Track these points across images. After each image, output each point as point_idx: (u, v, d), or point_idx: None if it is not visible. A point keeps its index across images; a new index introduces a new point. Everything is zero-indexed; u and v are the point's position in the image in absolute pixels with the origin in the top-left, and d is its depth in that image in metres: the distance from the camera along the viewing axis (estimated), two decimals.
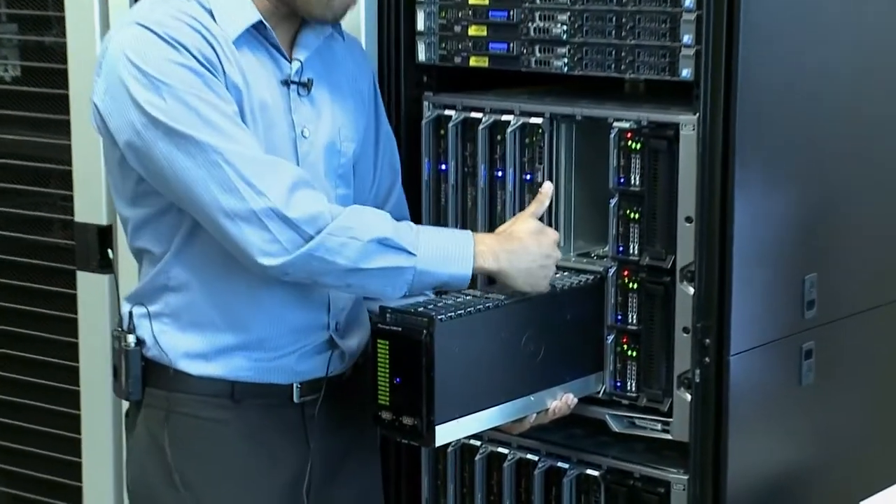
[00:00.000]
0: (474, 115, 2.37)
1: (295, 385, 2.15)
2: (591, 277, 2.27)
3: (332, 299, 2.16)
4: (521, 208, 2.32)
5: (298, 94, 2.11)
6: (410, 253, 2.01)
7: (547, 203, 2.18)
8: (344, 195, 2.20)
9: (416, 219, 2.37)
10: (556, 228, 2.33)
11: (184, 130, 1.95)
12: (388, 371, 2.04)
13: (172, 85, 1.96)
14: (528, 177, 2.34)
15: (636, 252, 2.23)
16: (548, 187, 2.19)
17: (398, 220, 2.22)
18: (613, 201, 2.24)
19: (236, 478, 2.12)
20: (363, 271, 1.99)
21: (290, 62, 2.11)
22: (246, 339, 2.11)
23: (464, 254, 2.04)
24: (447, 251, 2.03)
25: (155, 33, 1.96)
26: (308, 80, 2.11)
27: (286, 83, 2.10)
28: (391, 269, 2.01)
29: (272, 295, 2.10)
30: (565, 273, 2.28)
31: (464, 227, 2.39)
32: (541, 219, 2.19)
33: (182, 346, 2.11)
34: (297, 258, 1.96)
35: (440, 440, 2.04)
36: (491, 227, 2.35)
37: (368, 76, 2.27)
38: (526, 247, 2.10)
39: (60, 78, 2.83)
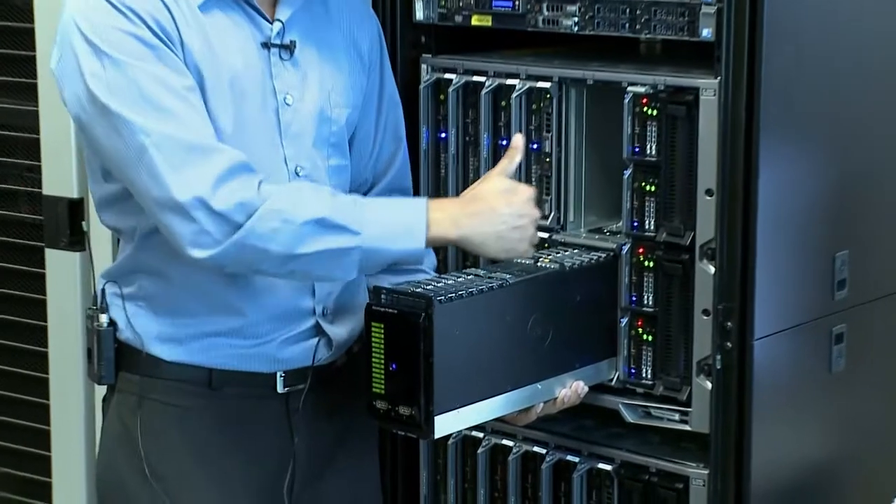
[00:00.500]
0: (476, 78, 2.36)
1: (278, 374, 2.13)
2: (604, 255, 2.26)
3: (316, 282, 2.13)
4: (529, 180, 2.32)
5: (280, 57, 2.08)
6: (353, 231, 1.98)
7: (518, 159, 2.13)
8: (338, 166, 2.17)
9: (414, 192, 2.36)
10: (565, 202, 2.33)
11: (116, 108, 1.93)
12: (382, 357, 2.03)
13: (117, 57, 1.94)
14: (535, 146, 2.33)
15: (652, 228, 2.23)
16: (518, 140, 2.14)
17: (399, 191, 2.23)
18: (627, 173, 2.23)
19: (210, 471, 2.10)
20: (302, 257, 1.96)
21: (272, 22, 2.08)
22: (223, 325, 2.09)
23: (415, 225, 2.00)
24: (395, 225, 2.00)
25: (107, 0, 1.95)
26: (290, 42, 2.08)
27: (266, 46, 2.06)
28: (333, 252, 1.97)
29: (250, 279, 2.08)
30: (575, 251, 2.27)
31: None
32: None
33: (156, 329, 2.10)
34: (227, 248, 1.94)
35: (440, 432, 2.03)
36: None
37: (370, 32, 2.23)
38: (493, 208, 2.06)
39: (27, 38, 2.80)
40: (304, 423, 2.15)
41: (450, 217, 2.03)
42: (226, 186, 1.94)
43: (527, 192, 2.10)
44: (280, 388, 2.13)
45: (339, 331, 2.17)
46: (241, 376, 2.11)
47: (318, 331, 2.15)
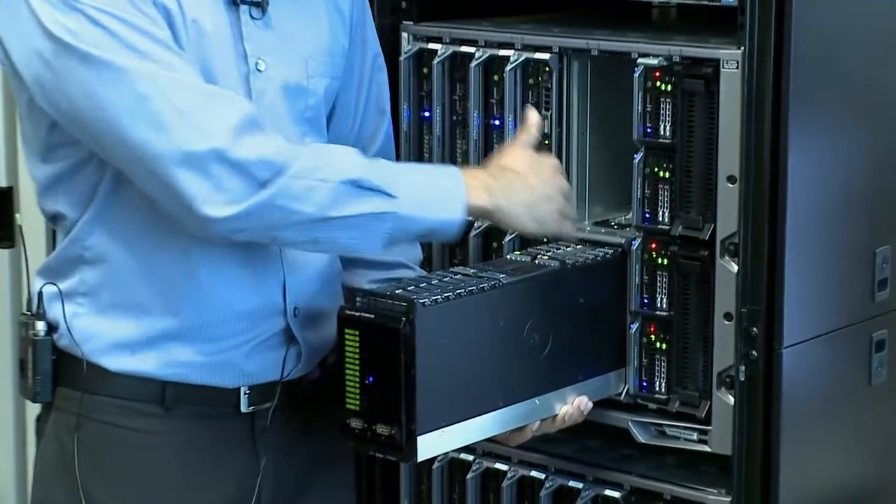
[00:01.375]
0: (465, 49, 2.37)
1: (242, 390, 2.12)
2: (611, 251, 2.26)
3: (288, 277, 2.13)
4: None
5: (251, 15, 2.08)
6: (390, 195, 2.00)
7: (535, 133, 2.18)
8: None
9: None
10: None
11: (104, 56, 1.93)
12: (358, 368, 2.02)
13: (87, 3, 1.93)
14: None
15: (666, 220, 2.23)
16: (533, 116, 2.19)
17: None
18: (638, 157, 2.22)
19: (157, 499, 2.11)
20: (333, 220, 1.98)
21: None
22: (180, 324, 2.08)
23: (453, 192, 2.04)
24: (433, 191, 2.03)
25: None
26: None
27: (234, 2, 2.07)
28: (367, 217, 2.00)
29: (214, 269, 2.07)
30: (579, 246, 2.27)
31: None
32: None
33: (99, 333, 2.08)
34: (251, 208, 1.95)
35: (423, 454, 2.03)
36: None
37: None
38: (524, 178, 2.10)
39: None
40: (271, 446, 2.15)
41: (483, 185, 2.07)
42: (247, 138, 1.95)
43: (553, 161, 2.17)
44: (244, 408, 2.12)
45: (312, 336, 2.16)
46: (200, 392, 2.10)
47: (287, 337, 2.14)
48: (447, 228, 2.04)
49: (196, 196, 1.93)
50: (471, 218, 2.08)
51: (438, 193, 2.03)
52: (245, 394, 2.12)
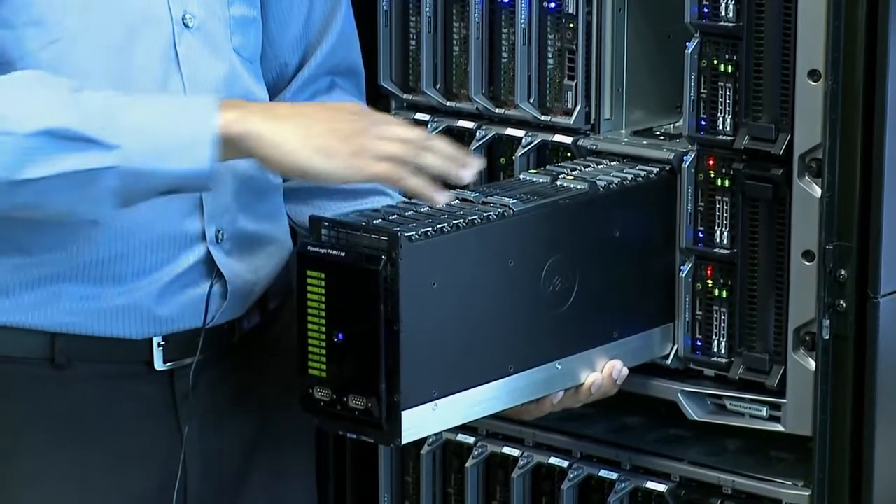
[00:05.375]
0: None
1: (155, 341, 2.15)
2: (655, 170, 2.28)
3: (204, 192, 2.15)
4: (544, 55, 2.31)
5: None
6: (106, 145, 1.98)
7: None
8: (243, 18, 2.20)
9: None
10: (599, 90, 2.36)
11: None
12: (323, 322, 2.03)
13: None
14: (553, 4, 2.35)
15: (729, 128, 2.24)
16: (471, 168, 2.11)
17: (343, 74, 2.31)
18: (692, 45, 2.24)
19: (52, 488, 2.13)
20: (29, 184, 1.97)
21: None
22: (71, 261, 2.10)
23: (198, 132, 2.01)
24: (168, 133, 2.00)
25: None
26: None
27: None
28: (75, 175, 1.98)
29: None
30: (613, 163, 2.29)
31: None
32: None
33: None
34: None
35: (409, 434, 2.04)
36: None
37: None
38: (299, 106, 2.14)
39: None
40: (198, 416, 2.18)
41: (237, 108, 2.04)
42: None
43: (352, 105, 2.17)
44: (159, 364, 2.15)
45: (242, 268, 2.19)
46: (100, 345, 2.13)
47: (209, 269, 2.17)
48: (196, 182, 2.04)
49: None
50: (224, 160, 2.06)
51: (178, 137, 2.00)
52: (159, 346, 2.15)
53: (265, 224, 2.20)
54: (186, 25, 2.11)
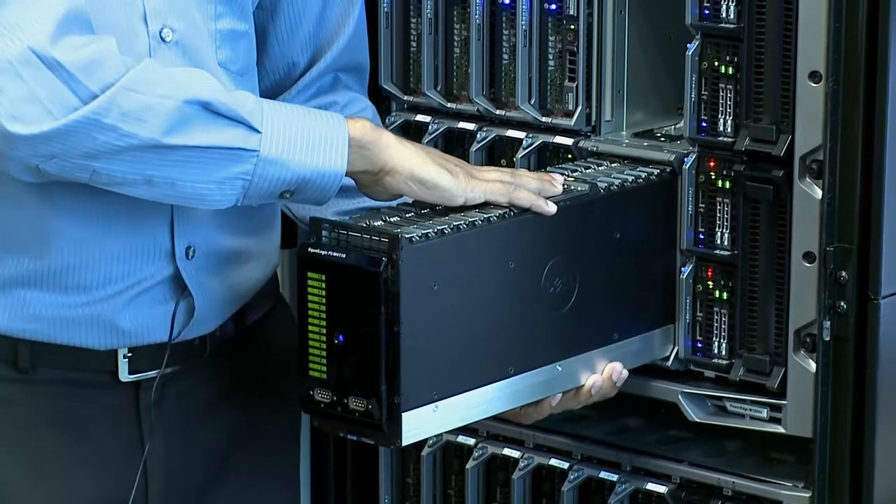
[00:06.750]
0: None
1: (121, 353, 2.15)
2: (656, 172, 2.28)
3: (176, 206, 2.14)
4: (545, 56, 2.31)
5: None
6: (252, 128, 2.02)
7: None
8: (231, 32, 2.19)
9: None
10: (599, 92, 2.35)
11: None
12: (324, 324, 2.03)
13: None
14: (554, 6, 2.35)
15: (729, 130, 2.24)
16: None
17: (351, 72, 2.32)
18: (693, 47, 2.24)
19: (4, 485, 2.14)
20: (173, 151, 1.99)
21: None
22: (34, 267, 2.11)
23: (335, 137, 2.05)
24: (309, 131, 2.04)
25: None
26: None
27: None
28: (218, 152, 2.00)
29: (76, 197, 2.09)
30: (614, 164, 2.29)
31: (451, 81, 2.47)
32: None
33: None
34: (69, 126, 1.95)
35: (410, 436, 2.05)
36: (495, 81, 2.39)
37: None
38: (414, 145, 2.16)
39: None
40: (161, 428, 2.19)
41: (368, 126, 2.09)
42: (70, 36, 1.94)
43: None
44: (124, 375, 2.16)
45: (217, 285, 2.19)
46: (65, 354, 2.13)
47: (177, 286, 2.17)
48: (323, 182, 2.06)
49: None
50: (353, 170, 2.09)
51: (317, 135, 2.04)
52: (125, 357, 2.15)
53: (248, 239, 2.21)
54: (163, 40, 2.10)
